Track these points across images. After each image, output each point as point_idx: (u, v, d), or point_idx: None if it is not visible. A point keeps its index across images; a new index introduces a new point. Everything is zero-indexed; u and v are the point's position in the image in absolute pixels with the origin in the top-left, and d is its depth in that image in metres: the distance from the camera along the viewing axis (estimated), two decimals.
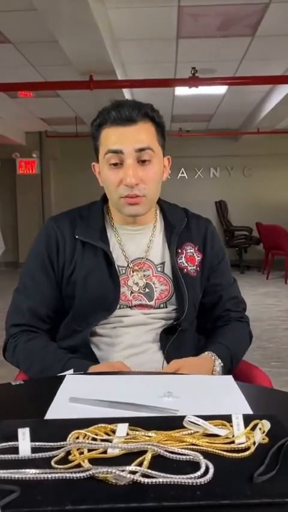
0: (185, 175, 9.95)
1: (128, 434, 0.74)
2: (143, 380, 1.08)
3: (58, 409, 0.90)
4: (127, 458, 0.68)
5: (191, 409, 0.82)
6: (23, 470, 0.66)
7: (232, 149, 9.73)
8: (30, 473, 0.66)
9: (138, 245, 1.34)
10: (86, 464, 0.67)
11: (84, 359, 1.22)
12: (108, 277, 1.27)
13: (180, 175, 9.88)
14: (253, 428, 0.75)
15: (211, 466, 0.66)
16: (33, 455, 0.71)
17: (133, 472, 0.64)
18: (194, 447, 0.72)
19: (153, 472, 0.65)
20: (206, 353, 1.26)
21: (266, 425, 0.76)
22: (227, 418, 0.78)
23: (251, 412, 0.87)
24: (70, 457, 0.69)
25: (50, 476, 0.65)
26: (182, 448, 0.71)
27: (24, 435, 0.72)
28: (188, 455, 0.69)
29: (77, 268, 1.29)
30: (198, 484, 0.63)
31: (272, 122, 7.86)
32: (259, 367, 1.35)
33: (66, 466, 0.67)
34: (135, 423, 0.77)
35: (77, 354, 1.26)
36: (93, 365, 1.18)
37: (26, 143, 9.79)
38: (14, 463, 0.68)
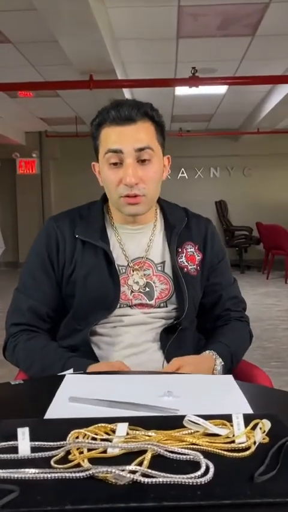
0: (185, 175, 9.96)
1: (128, 434, 0.74)
2: (143, 379, 1.07)
3: (58, 409, 0.90)
4: (127, 457, 0.68)
5: (191, 409, 0.82)
6: (22, 469, 0.66)
7: (232, 149, 9.73)
8: (30, 472, 0.65)
9: (139, 244, 1.34)
10: (86, 464, 0.67)
11: (84, 358, 1.22)
12: (108, 277, 1.27)
13: (180, 175, 9.89)
14: (253, 428, 0.75)
15: (211, 466, 0.66)
16: (32, 454, 0.70)
17: (133, 472, 0.64)
18: (194, 446, 0.72)
19: (153, 472, 0.64)
20: (207, 351, 1.26)
21: (266, 424, 0.75)
22: (227, 418, 0.78)
23: (251, 412, 0.87)
24: (70, 457, 0.69)
25: (49, 475, 0.65)
26: (182, 448, 0.71)
27: (23, 435, 0.71)
28: (188, 454, 0.69)
29: (77, 267, 1.29)
30: (199, 483, 0.63)
31: (272, 122, 7.86)
32: (259, 367, 1.35)
33: (65, 466, 0.67)
34: (135, 422, 0.77)
35: (77, 353, 1.26)
36: (93, 363, 1.18)
37: (26, 143, 9.80)
38: (13, 463, 0.68)
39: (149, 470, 0.65)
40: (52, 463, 0.68)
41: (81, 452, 0.70)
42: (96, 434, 0.74)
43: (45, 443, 0.73)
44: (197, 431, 0.76)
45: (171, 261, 1.32)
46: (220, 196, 9.85)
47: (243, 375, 1.29)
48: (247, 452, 0.71)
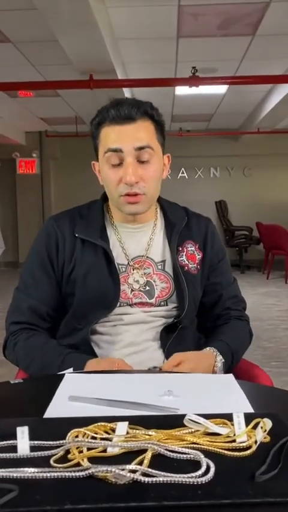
0: (185, 175, 9.96)
1: (127, 433, 0.74)
2: (143, 378, 1.07)
3: (57, 408, 0.89)
4: (127, 457, 0.68)
5: (192, 408, 0.82)
6: (21, 469, 0.65)
7: (232, 149, 9.73)
8: (29, 472, 0.65)
9: (139, 243, 1.34)
10: (86, 463, 0.66)
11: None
12: (108, 275, 1.27)
13: (180, 175, 9.89)
14: (254, 427, 0.75)
15: (212, 465, 0.65)
16: (32, 453, 0.70)
17: (133, 471, 0.63)
18: (194, 446, 0.71)
19: (153, 471, 0.64)
20: (208, 348, 1.26)
21: (267, 423, 0.75)
22: (228, 417, 0.77)
23: (252, 411, 0.87)
24: (69, 456, 0.69)
25: (48, 475, 0.64)
26: (183, 447, 0.70)
27: (23, 434, 0.71)
28: (188, 454, 0.69)
29: (76, 266, 1.29)
30: (199, 483, 0.62)
31: (272, 122, 7.86)
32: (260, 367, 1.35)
33: (65, 465, 0.67)
34: (135, 421, 0.77)
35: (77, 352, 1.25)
36: (93, 358, 1.18)
37: (26, 143, 9.80)
38: (12, 462, 0.68)
39: (149, 470, 0.64)
40: (51, 462, 0.68)
41: (81, 451, 0.69)
42: (96, 433, 0.74)
43: (45, 442, 0.72)
44: (198, 430, 0.75)
45: (172, 260, 1.32)
46: (220, 196, 9.85)
47: (244, 374, 1.29)
48: (248, 452, 0.70)
